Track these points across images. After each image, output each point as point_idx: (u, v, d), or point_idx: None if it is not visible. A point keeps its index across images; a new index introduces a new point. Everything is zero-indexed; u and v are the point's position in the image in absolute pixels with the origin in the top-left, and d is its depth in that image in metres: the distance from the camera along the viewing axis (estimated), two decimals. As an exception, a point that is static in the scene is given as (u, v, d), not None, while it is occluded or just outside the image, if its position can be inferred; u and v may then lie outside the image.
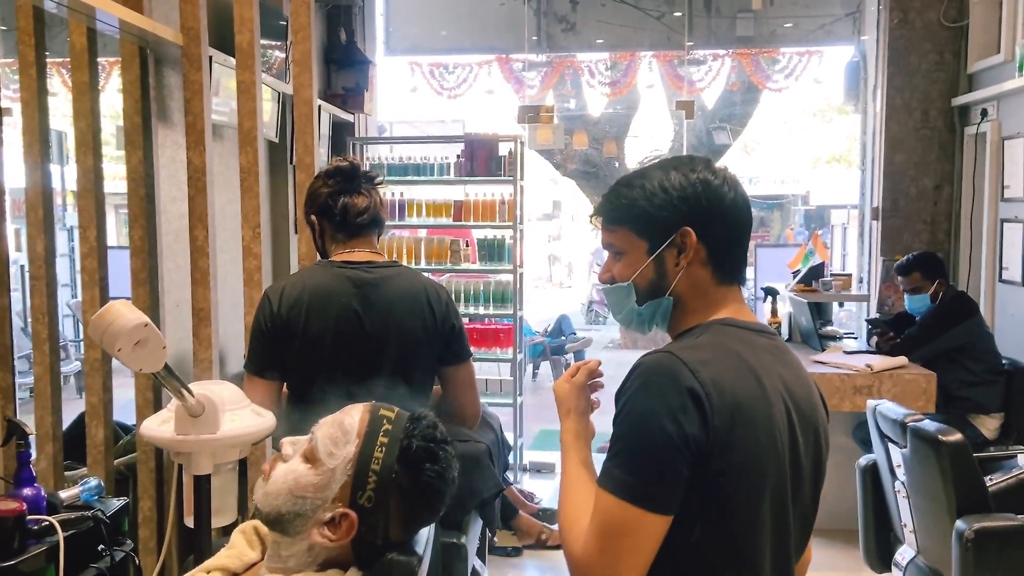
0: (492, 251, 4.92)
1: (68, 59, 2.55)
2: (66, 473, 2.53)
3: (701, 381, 1.07)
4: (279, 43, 4.00)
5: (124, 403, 2.80)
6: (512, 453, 4.37)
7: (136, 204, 2.65)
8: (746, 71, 7.05)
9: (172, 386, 1.36)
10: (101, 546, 1.78)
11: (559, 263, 20.59)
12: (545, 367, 8.75)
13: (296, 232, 4.03)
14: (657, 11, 6.14)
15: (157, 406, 2.62)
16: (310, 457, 1.13)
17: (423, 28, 6.38)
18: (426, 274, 2.15)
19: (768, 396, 1.13)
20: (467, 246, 5.03)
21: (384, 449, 1.12)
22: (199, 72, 2.71)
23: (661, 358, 1.11)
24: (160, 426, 1.52)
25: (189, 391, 1.41)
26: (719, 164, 1.26)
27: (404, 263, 3.11)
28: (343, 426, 1.14)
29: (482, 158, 4.88)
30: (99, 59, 2.60)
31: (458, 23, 6.41)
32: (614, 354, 10.51)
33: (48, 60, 2.50)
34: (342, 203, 1.93)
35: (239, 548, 1.23)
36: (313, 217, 1.99)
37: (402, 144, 5.66)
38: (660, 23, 6.16)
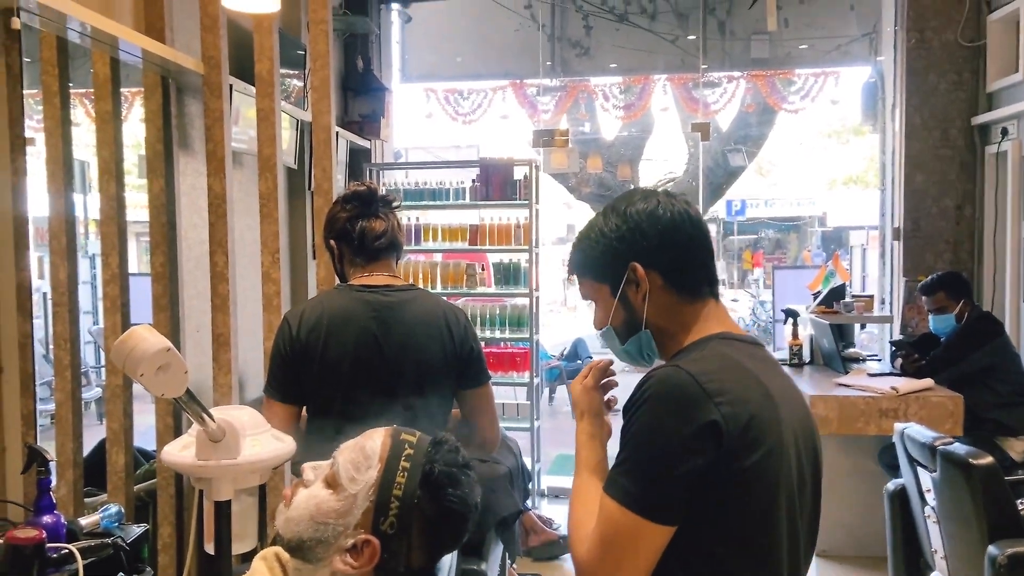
0: (508, 275, 4.92)
1: (91, 89, 2.58)
2: (86, 500, 2.53)
3: (711, 394, 1.08)
4: (297, 71, 4.05)
5: (144, 429, 2.80)
6: (530, 480, 4.33)
7: (158, 231, 2.67)
8: (761, 93, 7.07)
9: (193, 411, 1.35)
10: (121, 573, 1.77)
11: (574, 287, 20.53)
12: (562, 391, 8.70)
13: (314, 257, 4.04)
14: (671, 35, 6.18)
15: (178, 432, 2.62)
16: (332, 482, 1.12)
17: (439, 55, 6.45)
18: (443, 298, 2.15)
19: (775, 404, 1.14)
20: (483, 270, 5.03)
21: (406, 474, 1.11)
22: (220, 100, 2.74)
23: (670, 373, 1.13)
24: (181, 451, 1.51)
25: (210, 416, 1.40)
26: (657, 188, 1.32)
27: (421, 287, 3.10)
28: (365, 451, 1.13)
29: (497, 182, 4.89)
30: (122, 89, 2.63)
31: (473, 50, 6.47)
32: (632, 377, 10.42)
33: (71, 90, 2.54)
34: (360, 227, 1.94)
35: (260, 575, 1.21)
36: (332, 242, 1.99)
37: (418, 169, 5.69)
38: (674, 46, 6.19)
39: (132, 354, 1.17)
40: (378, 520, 1.09)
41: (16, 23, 1.90)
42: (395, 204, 2.02)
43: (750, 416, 1.08)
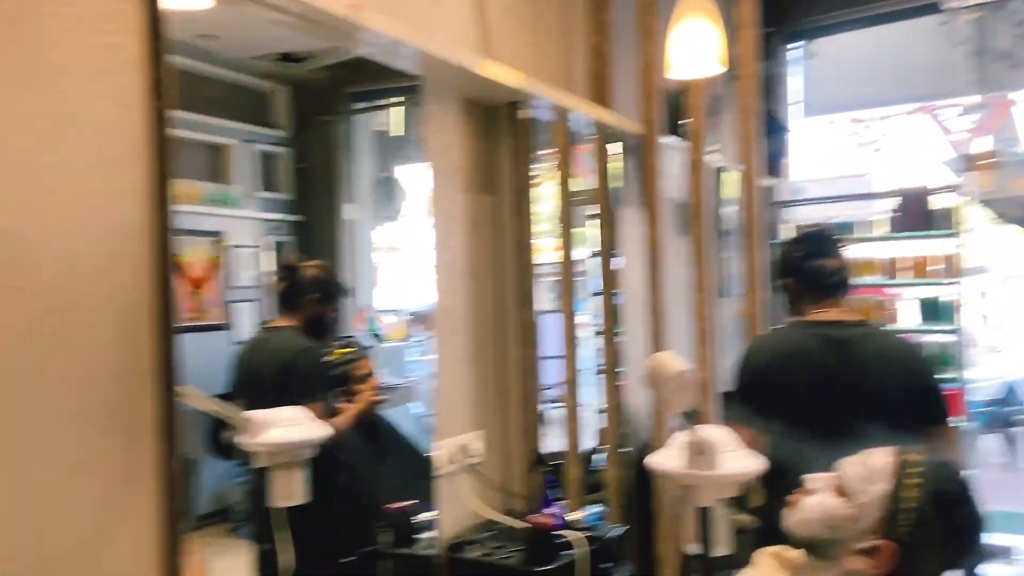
0: (929, 310, 4.61)
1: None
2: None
3: None
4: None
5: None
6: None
7: (607, 274, 3.06)
8: None
9: (691, 424, 1.59)
10: (607, 564, 2.09)
11: (988, 323, 17.87)
12: (984, 441, 7.66)
13: (721, 295, 4.21)
14: None
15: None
16: (841, 491, 1.26)
17: (843, 86, 6.27)
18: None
19: None
20: (898, 305, 4.77)
21: (918, 490, 1.20)
22: (654, 157, 3.08)
23: None
24: (665, 461, 1.76)
25: (697, 430, 1.63)
26: None
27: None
28: (871, 466, 1.25)
29: (914, 212, 4.64)
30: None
31: (880, 76, 6.18)
32: None
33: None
34: (813, 266, 2.07)
35: (767, 570, 1.39)
36: (786, 279, 2.14)
37: (819, 204, 5.61)
38: None
39: (660, 373, 1.44)
40: (891, 529, 1.20)
41: (525, 114, 2.38)
42: (842, 245, 2.12)
43: None
